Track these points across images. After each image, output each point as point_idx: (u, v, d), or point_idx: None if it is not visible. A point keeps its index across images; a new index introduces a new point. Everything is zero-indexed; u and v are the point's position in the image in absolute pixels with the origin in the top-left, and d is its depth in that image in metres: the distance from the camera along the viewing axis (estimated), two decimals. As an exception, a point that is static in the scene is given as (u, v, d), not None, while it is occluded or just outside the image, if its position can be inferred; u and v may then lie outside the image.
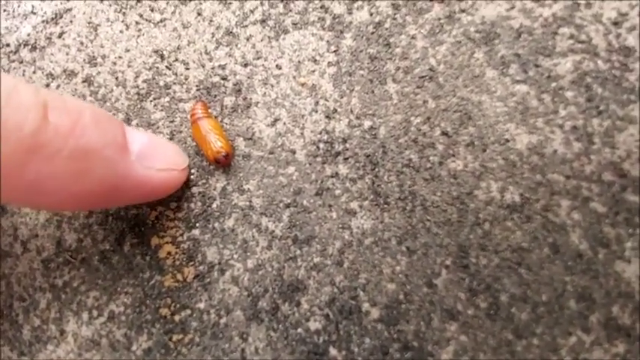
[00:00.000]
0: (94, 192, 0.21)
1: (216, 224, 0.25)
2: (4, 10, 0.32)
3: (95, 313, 0.25)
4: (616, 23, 0.25)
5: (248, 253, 0.25)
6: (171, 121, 0.27)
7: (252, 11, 0.28)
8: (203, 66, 0.28)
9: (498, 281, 0.22)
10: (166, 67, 0.28)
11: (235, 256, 0.25)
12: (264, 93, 0.27)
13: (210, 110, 0.27)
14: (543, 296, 0.22)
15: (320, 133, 0.26)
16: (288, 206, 0.25)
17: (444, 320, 0.22)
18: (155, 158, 0.23)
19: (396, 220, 0.24)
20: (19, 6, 0.32)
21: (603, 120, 0.23)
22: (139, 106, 0.28)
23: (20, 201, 0.23)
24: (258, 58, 0.28)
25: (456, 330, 0.22)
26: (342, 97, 0.26)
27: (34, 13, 0.31)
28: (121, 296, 0.25)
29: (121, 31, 0.29)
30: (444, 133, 0.25)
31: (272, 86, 0.27)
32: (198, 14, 0.29)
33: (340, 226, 0.24)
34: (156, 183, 0.23)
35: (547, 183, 0.23)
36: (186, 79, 0.28)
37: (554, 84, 0.24)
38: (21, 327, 0.26)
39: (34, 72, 0.30)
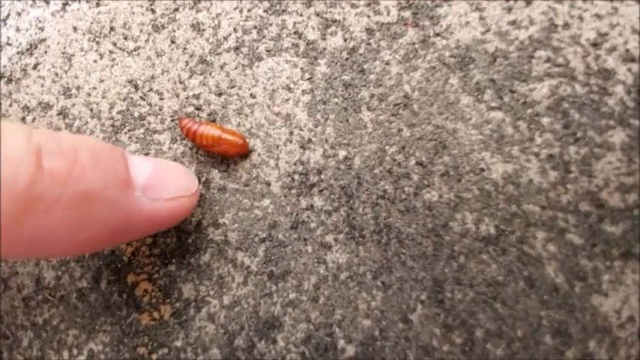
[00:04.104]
0: (99, 236, 0.20)
1: (192, 260, 0.26)
2: (-20, 41, 0.32)
3: (75, 351, 0.26)
4: (595, 44, 0.25)
5: (224, 289, 0.25)
6: (147, 153, 0.28)
7: (225, 38, 0.29)
8: (177, 95, 0.28)
9: (473, 316, 0.23)
10: (140, 97, 0.29)
11: (211, 293, 0.25)
12: (239, 123, 0.27)
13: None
14: (519, 331, 0.22)
15: (295, 164, 0.26)
16: (263, 240, 0.26)
17: (420, 357, 0.23)
18: (162, 188, 0.22)
19: (371, 253, 0.24)
20: (-6, 36, 0.32)
21: (580, 147, 0.23)
22: (114, 138, 0.28)
23: (22, 255, 0.22)
24: (233, 87, 0.28)
25: (431, 366, 0.23)
26: (316, 127, 0.26)
27: (10, 45, 0.31)
28: (100, 334, 0.26)
29: (94, 61, 0.30)
30: (419, 163, 0.25)
31: (246, 116, 0.27)
32: (172, 42, 0.29)
33: (316, 260, 0.25)
34: (165, 214, 0.22)
35: (522, 214, 0.23)
36: (160, 110, 0.28)
37: (529, 110, 0.24)
38: (5, 362, 0.27)
39: (10, 105, 0.30)
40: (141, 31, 0.30)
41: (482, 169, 0.24)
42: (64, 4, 0.31)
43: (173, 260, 0.26)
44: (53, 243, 0.19)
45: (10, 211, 0.17)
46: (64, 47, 0.31)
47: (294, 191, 0.26)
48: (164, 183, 0.23)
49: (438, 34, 0.26)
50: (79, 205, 0.19)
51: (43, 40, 0.31)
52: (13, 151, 0.18)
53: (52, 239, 0.19)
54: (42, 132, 0.19)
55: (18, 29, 0.32)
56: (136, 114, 0.29)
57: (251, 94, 0.28)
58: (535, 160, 0.24)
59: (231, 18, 0.29)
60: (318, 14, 0.28)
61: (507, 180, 0.24)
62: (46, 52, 0.31)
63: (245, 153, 0.26)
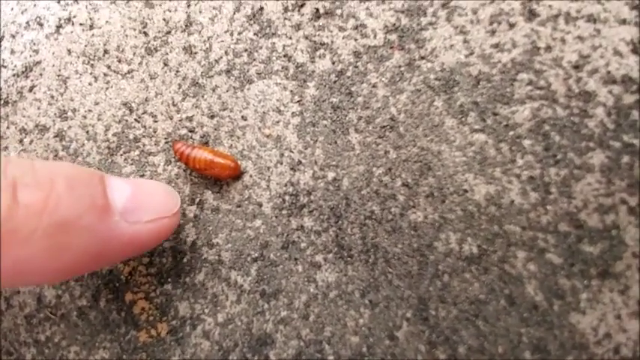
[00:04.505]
0: (78, 263, 0.21)
1: (187, 279, 0.27)
2: (-23, 62, 0.33)
3: (76, 367, 0.27)
4: (577, 67, 0.25)
5: (218, 307, 0.26)
6: (142, 175, 0.29)
7: (217, 61, 0.29)
8: (171, 118, 0.29)
9: (457, 333, 0.24)
10: (135, 119, 0.30)
11: (206, 311, 0.26)
12: (231, 145, 0.28)
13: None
14: (500, 348, 0.23)
15: (285, 185, 0.27)
16: (255, 260, 0.26)
17: (405, 372, 0.24)
18: (142, 210, 0.22)
19: (359, 272, 0.25)
20: (-9, 57, 0.33)
21: (560, 169, 0.24)
22: (109, 160, 0.29)
23: (1, 285, 0.23)
24: (224, 109, 0.29)
25: (417, 381, 0.24)
26: (306, 148, 0.27)
27: (5, 67, 0.32)
28: (100, 351, 0.27)
29: (89, 84, 0.31)
30: (405, 184, 0.26)
31: (238, 138, 0.28)
32: (165, 64, 0.30)
33: (306, 279, 0.26)
34: (145, 237, 0.22)
35: (504, 234, 0.24)
36: (154, 132, 0.29)
37: (511, 132, 0.25)
38: (10, 377, 0.29)
39: (7, 127, 0.31)
40: (134, 53, 0.31)
41: (466, 190, 0.25)
42: (58, 27, 0.32)
43: (169, 279, 0.27)
44: (31, 272, 0.20)
45: None
46: (59, 70, 0.31)
47: (284, 212, 0.27)
48: (144, 205, 0.23)
49: (423, 57, 0.27)
50: (55, 235, 0.19)
51: (38, 62, 0.32)
52: None
53: (30, 269, 0.20)
54: (17, 163, 0.20)
55: (13, 52, 0.32)
56: (131, 136, 0.29)
57: (242, 117, 0.28)
58: (516, 182, 0.25)
59: (222, 41, 0.29)
60: (306, 37, 0.28)
61: (490, 201, 0.25)
62: (41, 74, 0.32)
63: (237, 175, 0.27)
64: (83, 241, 0.21)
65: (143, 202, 0.23)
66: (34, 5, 0.32)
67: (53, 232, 0.19)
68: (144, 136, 0.29)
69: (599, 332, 0.23)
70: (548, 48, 0.26)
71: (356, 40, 0.28)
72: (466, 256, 0.24)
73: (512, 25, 0.26)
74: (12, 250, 0.19)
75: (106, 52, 0.31)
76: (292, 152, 0.27)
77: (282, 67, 0.29)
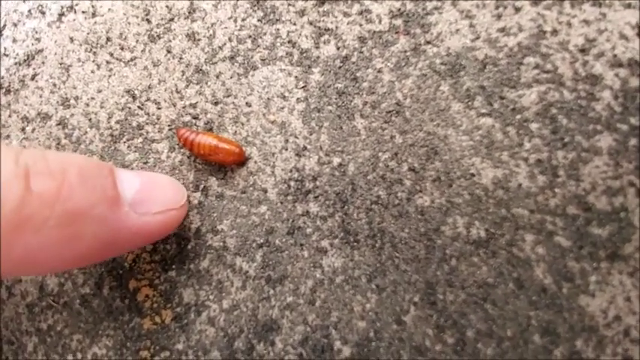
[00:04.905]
0: (88, 253, 0.21)
1: (192, 265, 0.27)
2: (-22, 51, 0.33)
3: (79, 355, 0.27)
4: (583, 50, 0.25)
5: (223, 294, 0.26)
6: (145, 162, 0.29)
7: (220, 47, 0.29)
8: (174, 105, 0.29)
9: (465, 317, 0.24)
10: (138, 107, 0.29)
11: (211, 297, 0.26)
12: (235, 131, 0.28)
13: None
14: (508, 331, 0.23)
15: (290, 171, 0.27)
16: (261, 246, 0.26)
17: (413, 357, 0.24)
18: (151, 202, 0.23)
19: (365, 257, 0.25)
20: (-8, 46, 0.33)
21: (568, 152, 0.24)
22: (112, 147, 0.29)
23: (11, 274, 0.23)
24: (228, 96, 0.29)
25: (425, 366, 0.24)
26: (311, 134, 0.27)
27: (7, 55, 0.32)
28: (103, 339, 0.27)
29: (92, 71, 0.30)
30: (411, 169, 0.26)
31: (242, 124, 0.28)
32: (168, 52, 0.30)
33: (312, 264, 0.26)
34: (153, 228, 0.23)
35: (512, 218, 0.24)
36: (158, 119, 0.29)
37: (518, 116, 0.25)
38: (11, 367, 0.28)
39: (9, 116, 0.31)
40: (137, 41, 0.30)
41: (473, 175, 0.25)
42: (60, 15, 0.32)
43: (173, 266, 0.27)
44: (42, 261, 0.20)
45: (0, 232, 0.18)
46: (62, 58, 0.31)
47: (290, 198, 0.27)
48: (152, 197, 0.23)
49: (428, 42, 0.27)
50: (67, 224, 0.19)
51: (40, 51, 0.32)
52: (1, 174, 0.18)
53: (42, 258, 0.20)
54: (30, 153, 0.20)
55: (15, 40, 0.32)
56: (134, 123, 0.29)
57: (247, 103, 0.28)
58: (524, 165, 0.24)
59: (225, 27, 0.29)
60: (311, 23, 0.28)
61: (497, 185, 0.25)
62: (43, 62, 0.31)
63: (242, 161, 0.27)
64: (95, 231, 0.21)
65: (151, 195, 0.23)
66: (36, -7, 0.32)
67: (66, 221, 0.19)
68: (147, 124, 0.29)
69: (608, 315, 0.23)
70: (555, 32, 0.26)
71: (361, 25, 0.28)
72: (474, 240, 0.24)
73: (517, 9, 0.26)
74: (24, 238, 0.19)
75: (108, 39, 0.31)
76: (297, 138, 0.27)
77: (287, 53, 0.28)
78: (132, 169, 0.29)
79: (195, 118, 0.29)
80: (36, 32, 0.32)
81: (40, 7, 0.32)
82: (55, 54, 0.31)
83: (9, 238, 0.18)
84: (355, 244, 0.25)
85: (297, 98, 0.28)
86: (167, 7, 0.30)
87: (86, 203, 0.20)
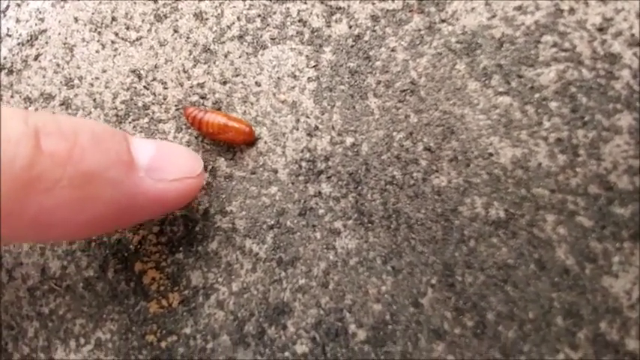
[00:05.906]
0: (104, 217, 0.20)
1: (200, 247, 0.26)
2: (-21, 32, 0.32)
3: (82, 340, 0.26)
4: (601, 29, 0.25)
5: (232, 277, 0.25)
6: (152, 143, 0.28)
7: (229, 27, 0.28)
8: (181, 85, 0.28)
9: (484, 299, 0.23)
10: (144, 87, 0.29)
11: (220, 280, 0.25)
12: (244, 111, 0.27)
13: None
14: (530, 313, 0.22)
15: (302, 151, 0.26)
16: (271, 227, 0.25)
17: (431, 340, 0.23)
18: (167, 169, 0.22)
19: (380, 239, 0.24)
20: (-6, 27, 0.32)
21: (588, 131, 0.24)
22: (118, 128, 0.28)
23: (24, 238, 0.22)
24: (237, 75, 0.28)
25: (443, 350, 0.23)
26: (323, 114, 0.26)
27: (10, 36, 0.31)
28: (107, 323, 0.26)
29: (97, 51, 0.30)
30: (427, 149, 0.25)
31: (252, 104, 0.27)
32: (175, 31, 0.29)
33: (325, 246, 0.25)
34: (170, 196, 0.22)
35: (532, 197, 0.23)
36: (164, 99, 0.28)
37: (537, 95, 0.24)
38: (11, 355, 0.27)
39: (11, 96, 0.30)
40: (143, 20, 0.30)
41: (491, 154, 0.24)
42: (66, -6, 0.31)
43: (180, 248, 0.26)
44: (57, 224, 0.19)
45: (10, 191, 0.17)
46: (66, 38, 0.30)
47: (301, 178, 0.26)
48: (168, 164, 0.22)
49: (443, 21, 0.26)
50: (81, 186, 0.19)
51: (44, 31, 0.31)
52: (9, 132, 0.18)
53: (56, 220, 0.19)
54: (40, 115, 0.19)
55: (18, 20, 0.31)
56: (140, 103, 0.28)
57: (256, 82, 0.27)
58: (544, 144, 0.24)
59: (234, 7, 0.29)
60: (322, 2, 0.28)
61: (516, 164, 0.24)
62: (47, 43, 0.31)
63: (251, 141, 0.26)
64: (109, 194, 0.20)
65: (167, 162, 0.22)
66: (40, -28, 0.31)
67: (78, 182, 0.19)
68: (153, 104, 0.28)
69: (632, 296, 0.22)
70: (572, 10, 0.25)
71: (373, 3, 0.27)
72: (493, 221, 0.23)
73: (534, -12, 0.26)
74: (35, 198, 0.18)
75: (113, 19, 0.30)
76: (309, 118, 0.26)
77: (297, 32, 0.28)
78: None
79: (202, 97, 0.28)
80: (39, 12, 0.31)
81: (43, -13, 0.31)
82: (59, 34, 0.30)
83: (19, 195, 0.18)
84: (369, 225, 0.25)
85: (309, 77, 0.27)
86: (175, -14, 0.29)
87: (99, 166, 0.19)
